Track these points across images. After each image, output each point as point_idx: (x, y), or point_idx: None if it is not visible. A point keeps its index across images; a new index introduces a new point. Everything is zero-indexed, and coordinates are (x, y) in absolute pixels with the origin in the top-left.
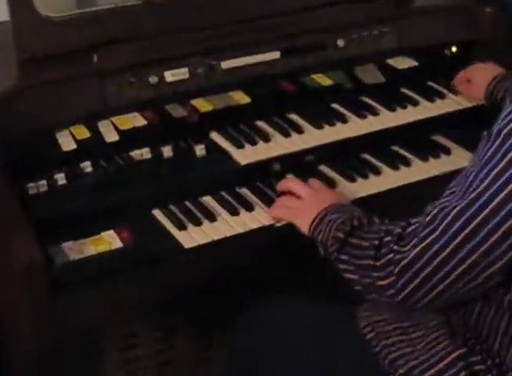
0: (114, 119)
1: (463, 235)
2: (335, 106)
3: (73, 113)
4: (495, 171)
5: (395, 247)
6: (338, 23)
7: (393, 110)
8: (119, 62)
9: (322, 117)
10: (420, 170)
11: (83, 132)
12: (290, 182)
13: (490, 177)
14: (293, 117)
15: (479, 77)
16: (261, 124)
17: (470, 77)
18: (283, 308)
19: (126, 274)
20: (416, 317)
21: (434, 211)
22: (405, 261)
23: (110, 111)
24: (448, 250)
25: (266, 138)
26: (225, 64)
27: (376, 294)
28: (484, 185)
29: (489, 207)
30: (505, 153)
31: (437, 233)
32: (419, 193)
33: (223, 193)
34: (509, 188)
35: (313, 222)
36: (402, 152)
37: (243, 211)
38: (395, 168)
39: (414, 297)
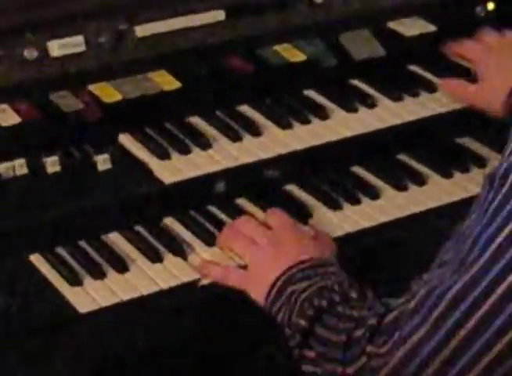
0: None
1: (465, 331)
2: (310, 93)
3: None
4: (506, 231)
5: (369, 349)
6: None
7: (398, 99)
8: None
9: (291, 110)
10: (439, 190)
11: None
12: (236, 223)
13: (498, 240)
14: (246, 110)
15: (495, 76)
16: (196, 121)
17: (481, 74)
18: None
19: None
20: None
21: (421, 294)
22: (386, 370)
23: None
24: (446, 353)
25: (204, 143)
26: (142, 30)
27: None
28: (489, 253)
29: (499, 291)
30: None
31: (427, 326)
32: (439, 227)
33: (138, 228)
34: None
35: (270, 292)
36: (413, 164)
37: (168, 257)
38: (402, 187)
39: None
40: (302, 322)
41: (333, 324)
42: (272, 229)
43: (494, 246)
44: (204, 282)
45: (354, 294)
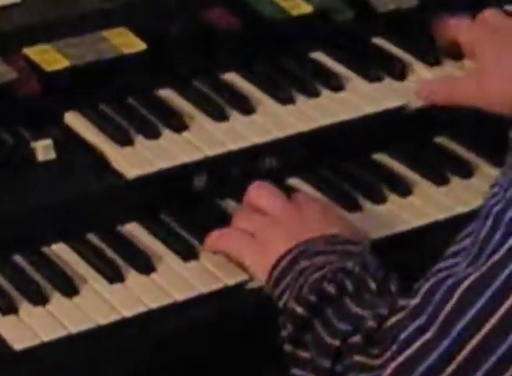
0: None
1: (480, 336)
2: (318, 56)
3: None
4: None
5: (359, 359)
6: None
7: (435, 63)
8: None
9: (292, 78)
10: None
11: None
12: (257, 190)
13: None
14: (233, 79)
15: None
16: (167, 94)
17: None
18: None
19: None
20: None
21: (426, 287)
22: None
23: None
24: (458, 361)
25: (179, 124)
26: None
27: None
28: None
29: None
30: None
31: (433, 329)
32: None
33: (91, 237)
34: None
35: (275, 267)
36: (453, 147)
37: (132, 275)
38: (443, 181)
39: None
40: (299, 309)
41: (332, 323)
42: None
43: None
44: (251, 285)
45: (372, 285)
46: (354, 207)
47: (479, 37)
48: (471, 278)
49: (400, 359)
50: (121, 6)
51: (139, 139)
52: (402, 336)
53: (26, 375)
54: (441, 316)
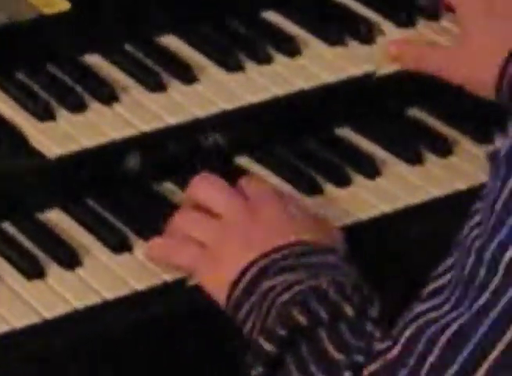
0: None
1: None
2: (270, 16)
3: None
4: None
5: None
6: None
7: (408, 23)
8: None
9: (240, 41)
10: (476, 162)
11: None
12: (201, 185)
13: (506, 257)
14: (171, 41)
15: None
16: (94, 60)
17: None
18: None
19: None
20: None
21: (407, 335)
22: None
23: None
24: None
25: (107, 94)
26: None
27: None
28: (499, 276)
29: None
30: None
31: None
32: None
33: (6, 226)
34: None
35: (235, 286)
36: (428, 120)
37: (54, 271)
38: (417, 159)
39: None
40: (269, 347)
41: (307, 363)
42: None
43: (502, 266)
44: (190, 282)
45: (350, 311)
46: (314, 190)
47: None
48: (456, 324)
49: None
50: None
51: (62, 113)
52: None
53: None
54: (424, 370)
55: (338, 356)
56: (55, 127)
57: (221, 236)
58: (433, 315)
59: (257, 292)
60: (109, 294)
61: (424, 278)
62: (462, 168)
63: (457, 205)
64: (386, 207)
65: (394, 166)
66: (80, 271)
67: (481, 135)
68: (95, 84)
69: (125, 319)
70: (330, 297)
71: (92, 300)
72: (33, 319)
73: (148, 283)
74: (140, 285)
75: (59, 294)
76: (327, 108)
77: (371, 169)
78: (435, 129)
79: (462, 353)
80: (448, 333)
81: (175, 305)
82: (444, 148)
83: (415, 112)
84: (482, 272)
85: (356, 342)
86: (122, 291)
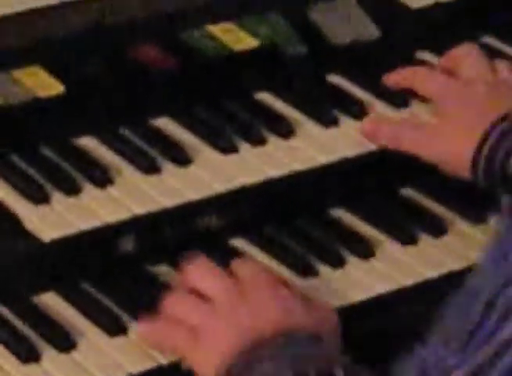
0: None
1: None
2: (265, 97)
3: None
4: None
5: None
6: None
7: (401, 104)
8: None
9: (235, 124)
10: (470, 243)
11: None
12: (193, 270)
13: None
14: (166, 125)
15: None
16: (88, 143)
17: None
18: None
19: None
20: None
21: None
22: None
23: None
24: None
25: (102, 177)
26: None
27: None
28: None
29: None
30: None
31: None
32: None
33: (1, 311)
34: None
35: (228, 370)
36: (426, 202)
37: (50, 354)
38: (411, 239)
39: None
40: None
41: None
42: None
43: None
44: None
45: None
46: (308, 271)
47: (441, 88)
48: (461, 369)
49: None
50: (35, 42)
51: (57, 196)
52: None
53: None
54: None
55: None
56: (50, 210)
57: (211, 321)
58: (434, 359)
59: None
60: None
61: None
62: (456, 247)
63: (450, 286)
64: (380, 289)
65: (388, 247)
66: (75, 354)
67: (476, 215)
68: (90, 167)
69: None
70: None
71: None
72: None
73: (143, 366)
74: (135, 368)
75: None
76: (321, 189)
77: (365, 250)
78: (429, 209)
79: None
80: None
81: None
82: (438, 228)
83: (408, 192)
84: (493, 321)
85: None
86: (117, 375)
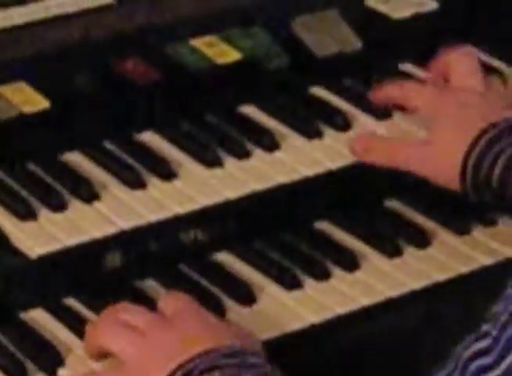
0: None
1: None
2: (249, 110)
3: None
4: None
5: None
6: None
7: (383, 116)
8: None
9: (220, 137)
10: (455, 256)
11: None
12: (124, 308)
13: None
14: (150, 139)
15: (451, 131)
16: (74, 159)
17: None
18: None
19: None
20: None
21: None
22: None
23: None
24: None
25: (88, 192)
26: None
27: None
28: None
29: None
30: None
31: None
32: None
33: None
34: None
35: None
36: (410, 213)
37: (35, 370)
38: (395, 252)
39: None
40: None
41: None
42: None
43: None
44: None
45: None
46: (294, 284)
47: (429, 104)
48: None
49: None
50: (19, 58)
51: (44, 212)
52: None
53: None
54: None
55: None
56: (37, 226)
57: (143, 351)
58: None
59: None
60: None
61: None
62: (441, 259)
63: (435, 297)
64: (366, 301)
65: (373, 259)
66: (62, 372)
67: (459, 226)
68: (76, 182)
69: None
70: None
71: None
72: None
73: None
74: None
75: None
76: (306, 202)
77: (350, 262)
78: (413, 221)
79: None
80: None
81: None
82: (422, 240)
83: (393, 204)
84: None
85: None
86: None
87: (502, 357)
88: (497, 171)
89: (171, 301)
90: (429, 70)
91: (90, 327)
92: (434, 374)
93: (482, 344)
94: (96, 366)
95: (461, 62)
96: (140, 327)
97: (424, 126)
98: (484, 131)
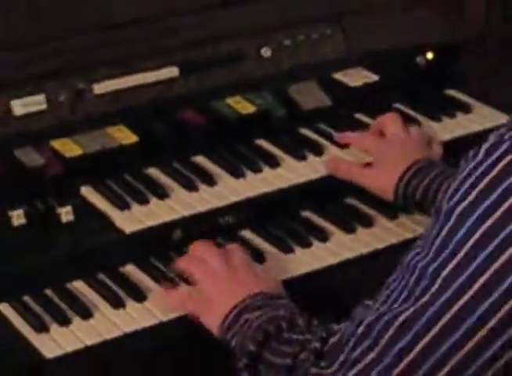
0: None
1: (412, 356)
2: (261, 143)
3: None
4: (450, 267)
5: (314, 370)
6: (261, 24)
7: (343, 145)
8: None
9: (243, 160)
10: (385, 232)
11: None
12: (198, 248)
13: (445, 273)
14: (201, 160)
15: (389, 163)
16: (153, 172)
17: (376, 161)
18: None
19: None
20: None
21: (369, 320)
22: None
23: None
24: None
25: (161, 193)
26: (99, 88)
27: None
28: (435, 287)
29: (444, 320)
30: (463, 240)
31: (376, 351)
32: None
33: (101, 276)
34: (471, 292)
35: (225, 320)
36: (361, 207)
37: (130, 302)
38: (351, 230)
39: None
40: (251, 346)
41: (279, 349)
42: (230, 263)
43: (440, 279)
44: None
45: (300, 322)
46: (287, 250)
47: (377, 143)
48: (404, 315)
49: (358, 367)
50: (118, 110)
51: (134, 205)
52: (352, 354)
53: None
54: (382, 343)
55: (304, 337)
56: (130, 214)
57: (213, 287)
58: (386, 306)
59: (240, 321)
60: (146, 321)
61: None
62: (381, 235)
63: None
64: (348, 254)
65: (336, 234)
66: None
67: (391, 214)
68: (154, 186)
69: None
70: (287, 317)
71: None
72: None
73: None
74: None
75: (134, 318)
76: (296, 199)
77: (323, 236)
78: (367, 212)
79: (408, 335)
80: (400, 319)
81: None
82: (368, 223)
83: (351, 201)
84: (424, 282)
85: (309, 336)
86: (149, 321)
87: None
88: (421, 189)
89: (235, 252)
90: (371, 127)
91: (183, 258)
92: (390, 278)
93: (418, 249)
94: (182, 286)
95: (390, 121)
96: (215, 267)
97: (367, 156)
98: (412, 165)
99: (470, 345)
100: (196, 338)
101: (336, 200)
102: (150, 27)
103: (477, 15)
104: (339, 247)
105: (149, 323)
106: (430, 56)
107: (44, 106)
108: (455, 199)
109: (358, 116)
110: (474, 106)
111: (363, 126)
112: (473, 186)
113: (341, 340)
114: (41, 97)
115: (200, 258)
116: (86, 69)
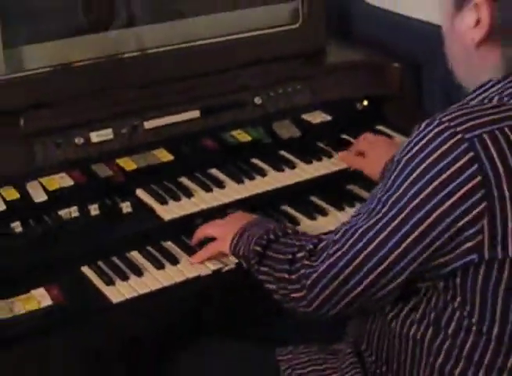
0: (42, 180)
1: (363, 255)
2: (254, 160)
3: (2, 175)
4: (395, 196)
5: (307, 262)
6: (255, 82)
7: (309, 162)
8: (45, 124)
9: (243, 171)
10: (335, 219)
11: (12, 193)
12: (205, 228)
13: (390, 201)
14: (215, 172)
15: (373, 154)
16: (183, 180)
17: (364, 152)
18: (211, 354)
19: (56, 331)
20: (331, 360)
21: (343, 230)
22: (315, 275)
23: (38, 172)
24: (350, 268)
25: (189, 193)
26: (148, 124)
27: (292, 305)
28: (385, 209)
29: (387, 230)
30: (404, 179)
31: (342, 250)
32: None
33: (149, 248)
34: (405, 212)
35: (233, 240)
36: (320, 202)
37: (168, 265)
38: (313, 217)
39: (324, 307)
40: (258, 248)
41: (280, 249)
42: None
43: (389, 202)
44: (227, 268)
45: (290, 231)
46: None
47: (366, 143)
48: (363, 227)
49: (330, 260)
50: (161, 139)
51: (170, 201)
52: (329, 251)
53: (120, 316)
54: (348, 243)
55: (299, 242)
56: (168, 207)
57: (223, 230)
58: (354, 222)
59: (244, 237)
60: (180, 278)
61: None
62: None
63: None
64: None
65: (332, 213)
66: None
67: (341, 207)
68: (184, 189)
69: None
70: (278, 228)
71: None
72: None
73: None
74: None
75: (171, 276)
76: (304, 190)
77: (322, 213)
78: (322, 206)
79: (363, 239)
80: (361, 230)
81: None
82: (320, 212)
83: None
84: (379, 206)
85: (304, 242)
86: (181, 278)
87: (387, 185)
88: None
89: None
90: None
91: (200, 229)
92: (362, 204)
93: (380, 187)
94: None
95: (365, 137)
96: (220, 221)
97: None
98: (391, 158)
99: (403, 246)
100: (209, 292)
101: (302, 198)
102: (181, 84)
103: (396, 78)
104: (307, 228)
105: (179, 279)
106: (365, 103)
107: (111, 136)
108: (407, 148)
109: (319, 143)
110: (394, 137)
111: (323, 151)
112: (415, 144)
113: (327, 244)
114: (109, 130)
115: (207, 224)
116: (139, 112)
